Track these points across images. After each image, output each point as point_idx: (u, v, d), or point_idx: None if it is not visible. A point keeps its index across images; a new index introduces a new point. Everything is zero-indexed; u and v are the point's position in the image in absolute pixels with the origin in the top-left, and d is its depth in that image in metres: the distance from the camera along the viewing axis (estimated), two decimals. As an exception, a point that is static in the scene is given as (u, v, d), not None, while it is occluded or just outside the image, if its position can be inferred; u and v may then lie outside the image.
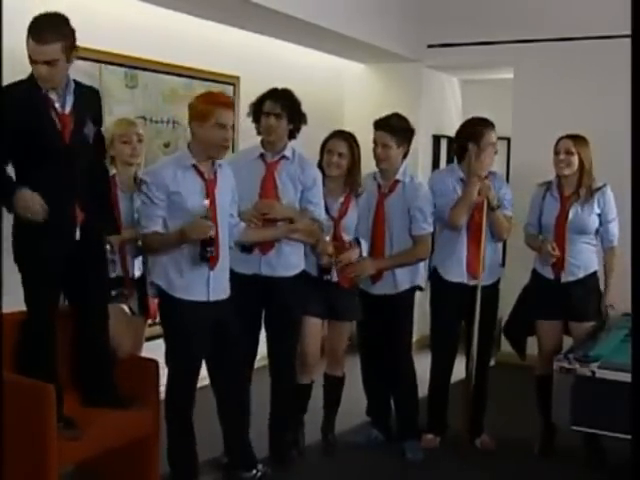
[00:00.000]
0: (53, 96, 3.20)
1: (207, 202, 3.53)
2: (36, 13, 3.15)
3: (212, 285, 3.62)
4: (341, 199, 4.25)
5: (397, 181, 4.32)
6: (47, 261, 3.22)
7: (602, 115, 5.60)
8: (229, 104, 3.67)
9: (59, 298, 3.41)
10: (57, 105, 3.21)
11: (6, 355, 3.26)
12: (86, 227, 3.33)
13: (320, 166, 4.23)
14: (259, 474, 3.89)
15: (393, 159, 4.29)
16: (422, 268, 4.45)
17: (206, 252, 3.51)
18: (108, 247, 3.56)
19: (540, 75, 6.23)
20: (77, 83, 3.32)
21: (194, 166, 3.61)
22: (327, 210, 4.19)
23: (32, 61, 3.12)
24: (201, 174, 3.62)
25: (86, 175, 3.34)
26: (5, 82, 3.09)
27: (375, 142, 4.30)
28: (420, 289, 4.46)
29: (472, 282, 4.37)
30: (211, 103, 3.58)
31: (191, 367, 3.69)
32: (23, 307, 3.28)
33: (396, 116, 4.35)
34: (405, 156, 4.37)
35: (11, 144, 3.14)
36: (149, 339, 4.16)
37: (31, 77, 3.19)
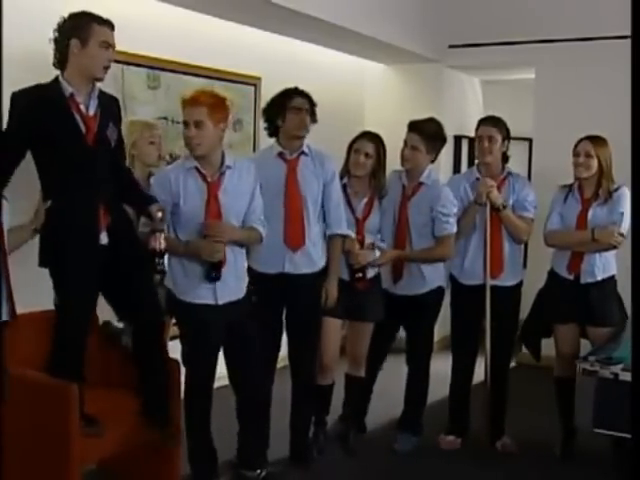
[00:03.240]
0: (79, 98, 3.22)
1: (209, 222, 3.53)
2: (59, 13, 3.21)
3: (219, 289, 3.61)
4: (365, 199, 4.26)
5: (421, 183, 4.32)
6: (74, 264, 3.22)
7: (625, 115, 5.54)
8: (190, 100, 3.55)
9: (92, 302, 3.39)
10: (82, 107, 3.23)
11: (33, 353, 3.31)
12: (114, 231, 3.33)
13: (346, 166, 4.25)
14: (263, 474, 3.90)
15: (419, 162, 4.29)
16: (443, 269, 4.44)
17: (212, 274, 3.53)
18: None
19: (562, 75, 6.20)
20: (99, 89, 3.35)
21: (196, 168, 3.59)
22: (352, 211, 4.21)
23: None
24: (203, 177, 3.60)
25: (109, 178, 3.35)
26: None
27: (405, 143, 4.30)
28: (443, 290, 4.45)
29: (489, 283, 4.35)
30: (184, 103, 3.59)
31: (204, 368, 3.70)
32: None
33: (432, 121, 4.35)
34: (433, 161, 4.37)
35: (35, 145, 3.16)
36: (173, 338, 4.16)
37: (56, 79, 3.22)
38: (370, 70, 6.95)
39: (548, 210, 4.45)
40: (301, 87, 4.09)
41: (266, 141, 4.28)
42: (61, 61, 3.21)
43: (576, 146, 4.31)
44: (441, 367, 4.63)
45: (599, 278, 4.29)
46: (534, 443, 4.54)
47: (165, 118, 4.84)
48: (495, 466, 4.29)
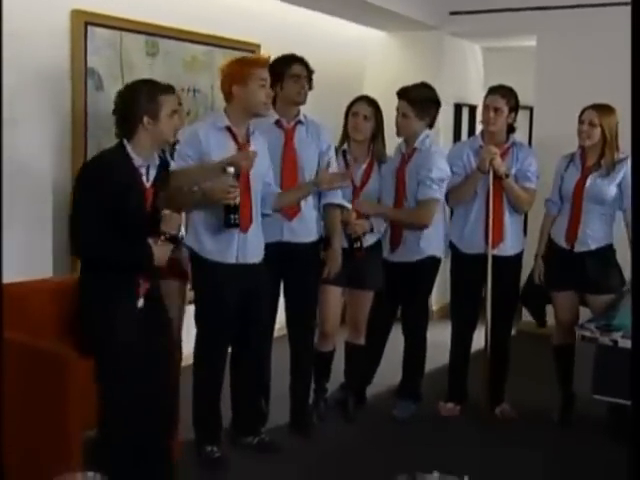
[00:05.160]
0: (142, 169, 3.21)
1: (232, 169, 3.42)
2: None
3: (241, 248, 3.64)
4: (364, 166, 4.25)
5: (415, 149, 4.30)
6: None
7: (627, 83, 5.51)
8: (267, 61, 3.71)
9: None
10: (144, 179, 3.22)
11: (36, 321, 3.31)
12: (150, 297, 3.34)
13: (345, 130, 4.23)
14: (256, 440, 3.94)
15: (411, 128, 4.26)
16: (442, 238, 4.43)
17: (230, 219, 3.48)
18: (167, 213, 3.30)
19: (564, 42, 6.15)
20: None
21: (228, 128, 3.62)
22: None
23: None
24: (234, 137, 3.63)
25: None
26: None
27: (397, 110, 4.28)
28: (439, 260, 4.43)
29: (490, 252, 4.34)
30: (251, 65, 3.62)
31: (220, 328, 3.71)
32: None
33: (422, 86, 4.31)
34: (430, 126, 4.34)
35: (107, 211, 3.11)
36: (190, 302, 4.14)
37: (122, 147, 3.20)
38: (370, 37, 6.88)
39: (551, 178, 4.46)
40: (300, 54, 4.07)
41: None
42: (128, 132, 3.19)
43: (581, 114, 4.27)
44: (440, 335, 4.64)
45: (593, 248, 4.29)
46: (533, 409, 4.56)
47: (164, 85, 4.80)
48: (494, 432, 4.32)
